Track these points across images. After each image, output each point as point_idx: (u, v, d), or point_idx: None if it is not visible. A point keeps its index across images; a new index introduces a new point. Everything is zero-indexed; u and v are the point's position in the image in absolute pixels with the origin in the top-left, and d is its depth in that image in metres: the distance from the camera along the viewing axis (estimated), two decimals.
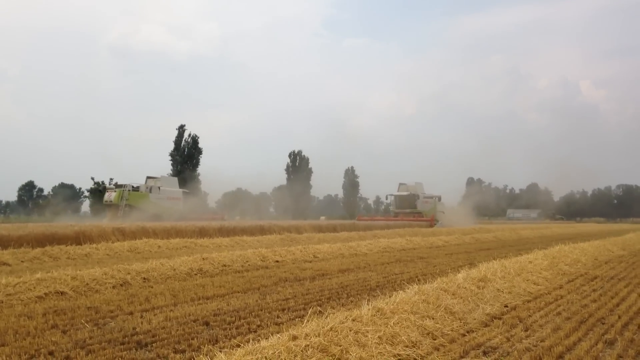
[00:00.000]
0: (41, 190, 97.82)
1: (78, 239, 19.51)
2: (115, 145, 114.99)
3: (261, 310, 8.07)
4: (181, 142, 69.30)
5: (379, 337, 5.65)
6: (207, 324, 7.16)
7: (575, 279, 11.63)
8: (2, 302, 8.42)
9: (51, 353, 5.78)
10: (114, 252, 17.52)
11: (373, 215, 69.23)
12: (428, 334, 6.29)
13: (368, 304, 6.64)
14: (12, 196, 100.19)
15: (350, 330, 5.57)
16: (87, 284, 9.88)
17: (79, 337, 6.39)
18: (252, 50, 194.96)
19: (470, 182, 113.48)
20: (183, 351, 5.91)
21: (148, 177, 48.76)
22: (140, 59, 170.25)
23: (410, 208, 55.64)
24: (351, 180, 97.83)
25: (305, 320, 5.89)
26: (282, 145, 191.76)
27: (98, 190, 58.26)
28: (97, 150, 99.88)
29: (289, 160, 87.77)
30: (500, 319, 7.49)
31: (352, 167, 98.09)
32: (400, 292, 7.64)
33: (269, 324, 7.17)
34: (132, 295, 9.16)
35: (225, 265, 13.26)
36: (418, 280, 10.59)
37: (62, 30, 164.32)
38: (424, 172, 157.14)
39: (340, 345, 5.18)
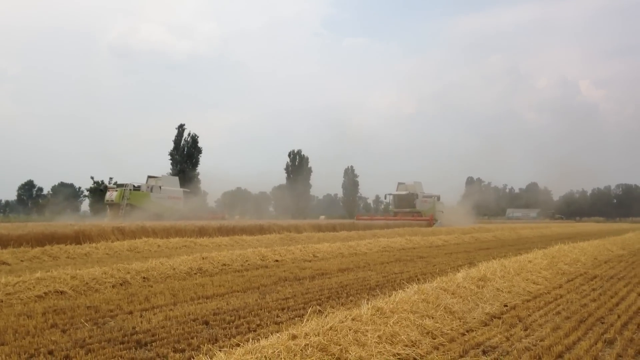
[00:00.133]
0: (41, 189, 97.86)
1: (78, 238, 19.51)
2: (115, 145, 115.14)
3: (261, 309, 8.07)
4: (181, 142, 69.31)
5: (379, 337, 5.65)
6: (206, 323, 7.16)
7: (574, 279, 11.64)
8: (2, 301, 8.42)
9: (51, 352, 5.78)
10: (114, 251, 17.52)
11: (372, 214, 69.23)
12: (427, 333, 6.29)
13: (367, 304, 6.63)
14: (11, 195, 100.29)
15: (349, 330, 5.57)
16: (87, 283, 9.88)
17: (79, 337, 6.39)
18: (252, 50, 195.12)
19: (470, 181, 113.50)
20: (183, 350, 5.91)
21: (149, 177, 48.76)
22: (140, 59, 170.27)
23: (409, 207, 55.67)
24: (351, 179, 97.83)
25: (305, 320, 5.89)
26: (282, 145, 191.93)
27: (99, 190, 58.26)
28: (96, 149, 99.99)
29: (288, 160, 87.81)
30: (499, 318, 7.50)
31: (351, 167, 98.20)
32: (400, 291, 7.64)
33: (268, 323, 7.17)
34: (132, 295, 9.16)
35: (224, 265, 13.27)
36: (418, 279, 10.60)
37: (62, 29, 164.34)
38: (424, 171, 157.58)
39: (339, 345, 5.19)
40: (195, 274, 12.02)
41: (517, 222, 73.94)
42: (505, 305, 8.33)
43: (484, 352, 5.88)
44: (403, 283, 9.88)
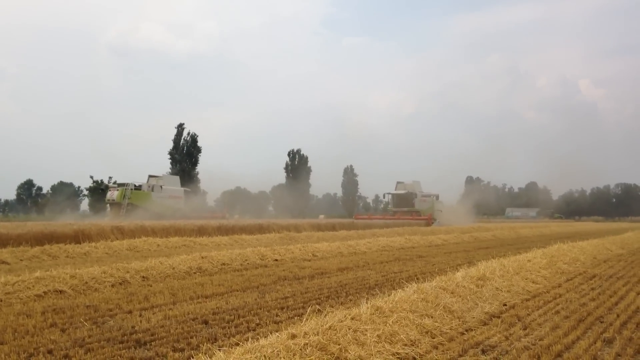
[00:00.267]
0: (40, 188, 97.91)
1: (77, 237, 19.51)
2: (115, 144, 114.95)
3: (260, 308, 8.08)
4: (180, 141, 69.34)
5: (378, 336, 5.66)
6: (206, 322, 7.16)
7: (573, 278, 11.65)
8: (1, 300, 8.42)
9: (50, 352, 5.78)
10: (113, 250, 17.52)
11: (371, 213, 69.29)
12: (427, 332, 6.30)
13: (367, 303, 6.64)
14: (11, 195, 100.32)
15: (349, 329, 5.57)
16: (86, 282, 9.88)
17: (78, 336, 6.39)
18: (252, 49, 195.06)
19: (470, 180, 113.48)
20: (182, 350, 5.91)
21: (150, 176, 48.74)
22: (139, 58, 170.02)
23: (408, 207, 55.71)
24: (350, 178, 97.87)
25: (304, 319, 5.90)
26: (281, 144, 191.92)
27: (100, 189, 58.25)
28: (96, 148, 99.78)
29: (288, 159, 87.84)
30: (499, 317, 7.50)
31: (351, 166, 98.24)
32: (399, 290, 7.65)
33: (268, 322, 7.17)
34: (131, 294, 9.16)
35: (224, 264, 13.27)
36: (417, 278, 10.61)
37: (62, 28, 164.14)
38: (423, 170, 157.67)
39: (339, 344, 5.19)
40: (194, 273, 12.02)
41: (517, 222, 73.97)
42: (505, 305, 8.34)
43: (483, 352, 5.89)
44: (402, 282, 9.88)
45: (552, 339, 6.33)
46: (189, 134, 69.81)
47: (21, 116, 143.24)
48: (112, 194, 45.01)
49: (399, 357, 5.44)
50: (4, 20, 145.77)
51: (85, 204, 73.78)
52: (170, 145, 69.45)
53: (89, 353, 5.73)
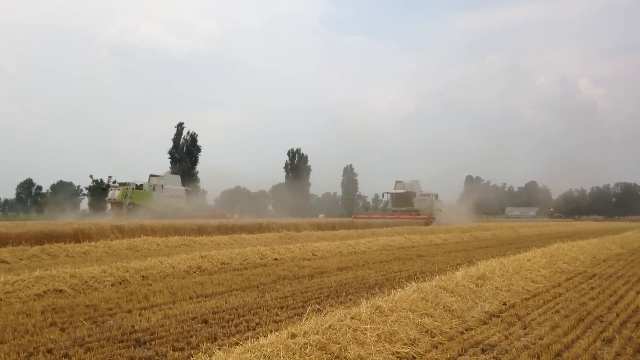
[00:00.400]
0: (40, 188, 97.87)
1: (77, 236, 19.50)
2: (114, 143, 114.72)
3: (260, 308, 8.08)
4: (180, 140, 69.38)
5: (378, 335, 5.66)
6: (205, 321, 7.16)
7: (573, 277, 11.65)
8: (1, 300, 8.42)
9: (50, 351, 5.78)
10: (113, 250, 17.51)
11: (370, 213, 69.33)
12: (426, 332, 6.30)
13: (367, 302, 6.64)
14: (10, 194, 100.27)
15: (348, 328, 5.57)
16: (86, 281, 9.88)
17: (78, 335, 6.39)
18: (251, 48, 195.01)
19: (469, 180, 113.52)
20: (182, 349, 5.91)
21: (151, 175, 48.75)
22: (139, 57, 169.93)
23: (407, 206, 55.75)
24: (350, 178, 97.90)
25: (304, 318, 5.90)
26: (281, 143, 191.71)
27: (102, 188, 58.24)
28: (95, 147, 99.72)
29: (287, 158, 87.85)
30: (498, 317, 7.50)
31: (350, 165, 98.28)
32: (399, 290, 7.65)
33: (267, 321, 7.17)
34: (131, 293, 9.16)
35: (224, 263, 13.27)
36: (417, 278, 10.61)
37: (61, 27, 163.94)
38: (423, 170, 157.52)
39: (338, 343, 5.19)
40: (194, 272, 12.02)
41: (516, 221, 73.99)
42: (504, 304, 8.34)
43: (483, 351, 5.89)
44: (402, 282, 9.89)
45: (552, 338, 6.33)
46: (188, 133, 69.96)
47: (21, 115, 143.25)
48: (113, 194, 45.02)
49: (398, 357, 5.44)
50: (3, 19, 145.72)
51: (85, 203, 73.84)
52: (170, 144, 69.57)
53: (88, 352, 5.73)
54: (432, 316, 6.78)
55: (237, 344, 5.38)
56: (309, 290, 9.73)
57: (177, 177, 53.00)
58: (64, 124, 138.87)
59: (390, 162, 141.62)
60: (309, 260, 15.12)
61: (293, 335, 5.17)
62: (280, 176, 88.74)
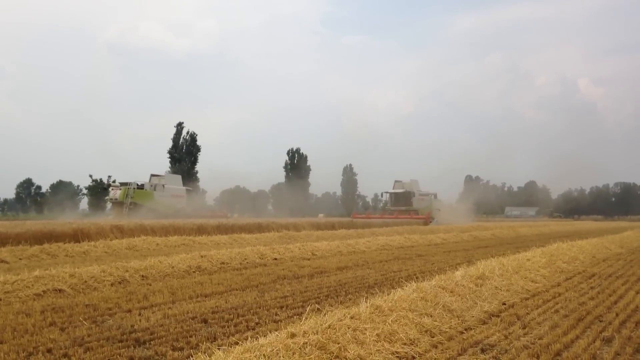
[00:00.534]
0: (39, 187, 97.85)
1: (76, 236, 19.49)
2: (114, 143, 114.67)
3: (259, 307, 8.08)
4: (179, 140, 69.33)
5: (377, 335, 5.66)
6: (205, 321, 7.16)
7: (573, 277, 11.66)
8: (0, 299, 8.42)
9: (49, 350, 5.78)
10: (112, 249, 17.51)
11: (369, 212, 69.35)
12: (426, 331, 6.30)
13: (366, 302, 6.64)
14: (10, 193, 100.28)
15: (348, 328, 5.57)
16: (85, 281, 9.87)
17: (77, 335, 6.39)
18: (251, 48, 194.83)
19: (469, 179, 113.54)
20: (181, 349, 5.91)
21: (152, 175, 48.73)
22: (139, 56, 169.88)
23: (406, 205, 55.74)
24: (349, 177, 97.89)
25: (304, 318, 5.90)
26: (281, 143, 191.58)
27: (103, 188, 58.23)
28: (95, 147, 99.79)
29: (287, 158, 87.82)
30: (498, 316, 7.51)
31: (350, 165, 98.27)
32: (399, 289, 7.65)
33: (267, 321, 7.17)
34: (131, 293, 9.16)
35: (223, 263, 13.27)
36: (416, 277, 10.60)
37: (60, 27, 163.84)
38: (423, 169, 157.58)
39: (338, 343, 5.19)
40: (194, 272, 12.02)
41: (516, 221, 74.02)
42: (504, 304, 8.34)
43: (483, 351, 5.89)
44: (402, 281, 9.89)
45: (551, 338, 6.33)
46: (188, 132, 69.91)
47: (20, 115, 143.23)
48: (114, 193, 45.02)
49: (398, 356, 5.44)
50: (3, 19, 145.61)
51: (84, 202, 73.82)
52: (170, 144, 69.52)
53: (88, 352, 5.73)
54: (431, 316, 6.78)
55: (236, 343, 5.38)
56: (309, 290, 9.73)
57: (178, 177, 52.98)
58: (63, 123, 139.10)
59: (390, 161, 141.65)
60: (309, 260, 15.12)
61: (293, 335, 5.17)
62: (280, 176, 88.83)
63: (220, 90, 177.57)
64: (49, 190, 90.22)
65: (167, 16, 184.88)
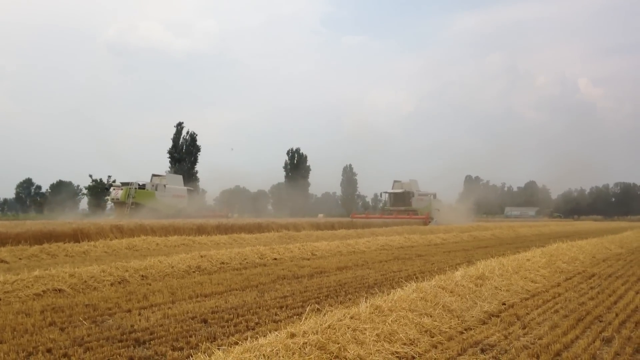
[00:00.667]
0: (39, 187, 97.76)
1: (76, 236, 19.49)
2: (114, 143, 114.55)
3: (259, 307, 8.08)
4: (179, 140, 69.31)
5: (377, 335, 5.66)
6: (205, 321, 7.16)
7: (572, 277, 11.66)
8: (0, 299, 8.41)
9: (49, 350, 5.78)
10: (112, 249, 17.51)
11: (368, 212, 69.35)
12: (426, 331, 6.30)
13: (366, 302, 6.64)
14: (10, 193, 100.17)
15: (348, 328, 5.57)
16: (85, 281, 9.87)
17: (77, 335, 6.39)
18: (251, 48, 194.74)
19: (469, 179, 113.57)
20: (181, 349, 5.91)
21: (153, 175, 48.74)
22: (138, 56, 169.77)
23: (405, 205, 55.71)
24: (349, 177, 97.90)
25: (304, 318, 5.90)
26: (281, 143, 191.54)
27: (105, 188, 58.18)
28: (95, 147, 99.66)
29: (287, 158, 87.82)
30: (498, 316, 7.51)
31: (350, 165, 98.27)
32: (398, 289, 7.65)
33: (267, 321, 7.17)
34: (130, 293, 9.16)
35: (223, 263, 13.27)
36: (416, 277, 10.60)
37: (60, 26, 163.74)
38: (423, 169, 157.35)
39: (338, 343, 5.19)
40: (193, 272, 12.02)
41: (516, 221, 74.01)
42: (504, 304, 8.34)
43: (482, 351, 5.89)
44: (401, 281, 9.89)
45: (551, 338, 6.34)
46: (188, 132, 69.87)
47: (20, 115, 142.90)
48: (116, 193, 45.03)
49: (398, 356, 5.44)
50: (3, 19, 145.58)
51: (84, 202, 73.78)
52: (170, 144, 69.50)
53: (88, 352, 5.73)
54: (431, 316, 6.78)
55: (236, 343, 5.38)
56: (309, 290, 9.73)
57: (179, 177, 52.97)
58: (63, 123, 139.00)
59: (389, 161, 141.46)
60: (309, 260, 15.12)
61: (292, 335, 5.17)
62: (280, 176, 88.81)
63: (220, 90, 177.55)
64: (49, 190, 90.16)
65: (167, 16, 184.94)
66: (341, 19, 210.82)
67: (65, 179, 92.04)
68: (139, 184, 45.63)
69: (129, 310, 7.78)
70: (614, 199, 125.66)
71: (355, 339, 5.43)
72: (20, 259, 14.80)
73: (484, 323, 7.15)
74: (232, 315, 7.48)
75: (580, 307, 8.32)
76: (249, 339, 5.30)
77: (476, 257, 15.27)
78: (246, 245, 18.36)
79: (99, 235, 20.40)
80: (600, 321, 7.43)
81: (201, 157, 70.25)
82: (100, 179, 61.09)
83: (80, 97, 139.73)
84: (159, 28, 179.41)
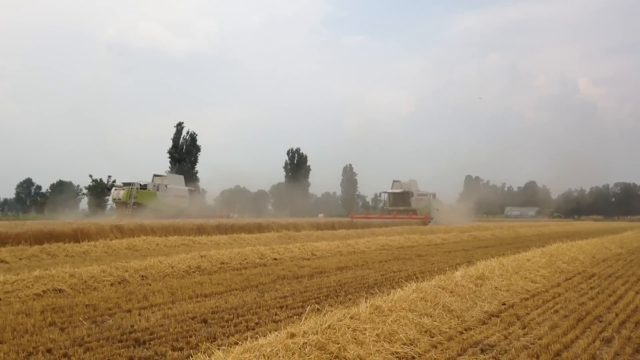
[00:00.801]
0: (39, 187, 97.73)
1: (76, 236, 19.50)
2: (114, 143, 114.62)
3: (259, 307, 8.08)
4: (179, 140, 69.30)
5: (377, 335, 5.66)
6: (205, 321, 7.16)
7: (572, 277, 11.66)
8: (0, 299, 8.42)
9: (49, 350, 5.78)
10: (112, 249, 17.51)
11: (368, 212, 69.40)
12: (426, 331, 6.30)
13: (366, 302, 6.64)
14: (10, 193, 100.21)
15: (348, 328, 5.57)
16: (85, 281, 9.87)
17: (77, 335, 6.39)
18: (251, 48, 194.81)
19: (469, 180, 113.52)
20: (181, 349, 5.91)
21: (155, 175, 48.76)
22: (138, 56, 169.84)
23: (404, 205, 55.69)
24: (349, 177, 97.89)
25: (304, 318, 5.90)
26: (281, 143, 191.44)
27: (106, 188, 58.17)
28: (95, 147, 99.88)
29: (287, 158, 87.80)
30: (498, 316, 7.51)
31: (350, 165, 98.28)
32: (398, 289, 7.65)
33: (267, 321, 7.17)
34: (130, 293, 9.16)
35: (223, 263, 13.27)
36: (416, 278, 10.60)
37: (60, 27, 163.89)
38: (423, 169, 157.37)
39: (338, 343, 5.19)
40: (193, 272, 12.02)
41: (516, 221, 74.00)
42: (504, 304, 8.34)
43: (482, 351, 5.89)
44: (401, 281, 9.89)
45: (551, 338, 6.34)
46: (188, 132, 69.86)
47: (20, 115, 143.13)
48: (118, 193, 45.09)
49: (398, 356, 5.44)
50: (3, 19, 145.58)
51: (84, 202, 73.79)
52: (170, 144, 69.48)
53: (88, 352, 5.73)
54: (431, 316, 6.78)
55: (236, 343, 5.38)
56: (309, 290, 9.73)
57: (181, 177, 52.99)
58: (63, 123, 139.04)
59: (390, 161, 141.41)
60: (309, 260, 15.12)
61: (292, 335, 5.17)
62: (280, 176, 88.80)
63: (220, 90, 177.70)
64: (49, 190, 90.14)
65: (167, 16, 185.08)
66: (341, 19, 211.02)
67: (66, 179, 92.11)
68: (140, 184, 45.66)
69: (129, 311, 7.78)
70: (614, 199, 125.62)
71: (355, 339, 5.43)
72: (20, 259, 14.81)
73: (484, 323, 7.15)
74: (232, 316, 7.49)
75: (580, 307, 8.32)
76: (249, 339, 5.30)
77: (476, 257, 15.27)
78: (246, 245, 18.36)
79: (99, 235, 20.41)
80: (600, 321, 7.43)
81: (201, 157, 70.35)
82: (101, 179, 61.10)
83: (81, 97, 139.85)
84: (159, 28, 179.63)
